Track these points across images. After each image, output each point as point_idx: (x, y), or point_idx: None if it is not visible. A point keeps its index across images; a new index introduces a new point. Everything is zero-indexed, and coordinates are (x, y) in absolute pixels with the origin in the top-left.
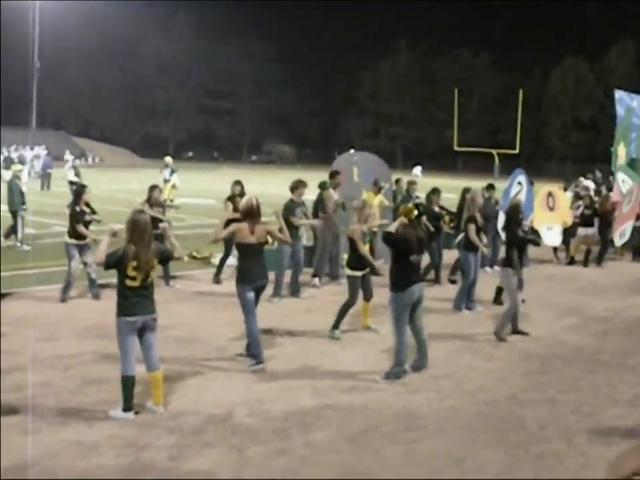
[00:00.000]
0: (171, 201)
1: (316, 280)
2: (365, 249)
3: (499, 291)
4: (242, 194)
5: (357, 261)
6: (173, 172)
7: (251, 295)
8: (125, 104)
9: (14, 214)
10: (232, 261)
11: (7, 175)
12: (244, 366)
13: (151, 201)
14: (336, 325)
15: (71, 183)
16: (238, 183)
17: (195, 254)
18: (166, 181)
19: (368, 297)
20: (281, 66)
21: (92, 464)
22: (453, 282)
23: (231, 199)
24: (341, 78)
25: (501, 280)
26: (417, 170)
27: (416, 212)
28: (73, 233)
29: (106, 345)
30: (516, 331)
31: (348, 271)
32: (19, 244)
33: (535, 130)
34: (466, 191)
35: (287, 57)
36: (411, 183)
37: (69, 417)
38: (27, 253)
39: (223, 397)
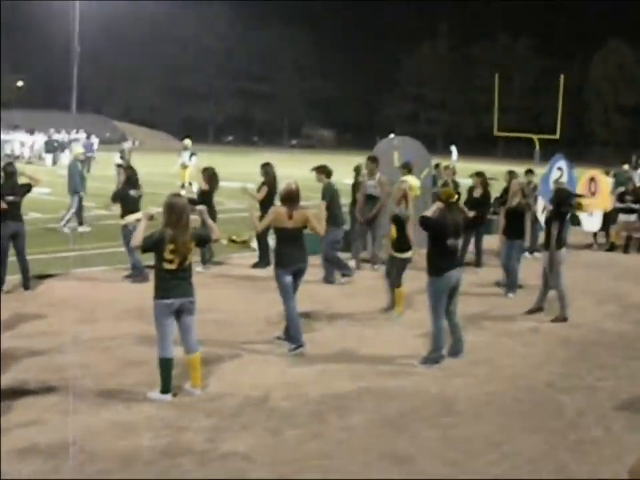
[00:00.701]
0: (190, 184)
1: (351, 263)
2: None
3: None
4: (270, 177)
5: (400, 243)
6: (192, 155)
7: (288, 278)
8: (164, 87)
9: (75, 195)
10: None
11: (65, 157)
12: (282, 349)
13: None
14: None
15: (118, 165)
16: (267, 164)
17: (233, 237)
18: (185, 166)
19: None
20: (321, 50)
21: (130, 444)
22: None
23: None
24: (381, 62)
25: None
26: (454, 154)
27: (456, 196)
28: (127, 211)
29: (145, 327)
30: (532, 309)
31: (393, 253)
32: (79, 226)
33: (575, 115)
34: (511, 174)
35: (327, 40)
36: (445, 167)
37: (108, 398)
38: (81, 234)
39: (260, 380)
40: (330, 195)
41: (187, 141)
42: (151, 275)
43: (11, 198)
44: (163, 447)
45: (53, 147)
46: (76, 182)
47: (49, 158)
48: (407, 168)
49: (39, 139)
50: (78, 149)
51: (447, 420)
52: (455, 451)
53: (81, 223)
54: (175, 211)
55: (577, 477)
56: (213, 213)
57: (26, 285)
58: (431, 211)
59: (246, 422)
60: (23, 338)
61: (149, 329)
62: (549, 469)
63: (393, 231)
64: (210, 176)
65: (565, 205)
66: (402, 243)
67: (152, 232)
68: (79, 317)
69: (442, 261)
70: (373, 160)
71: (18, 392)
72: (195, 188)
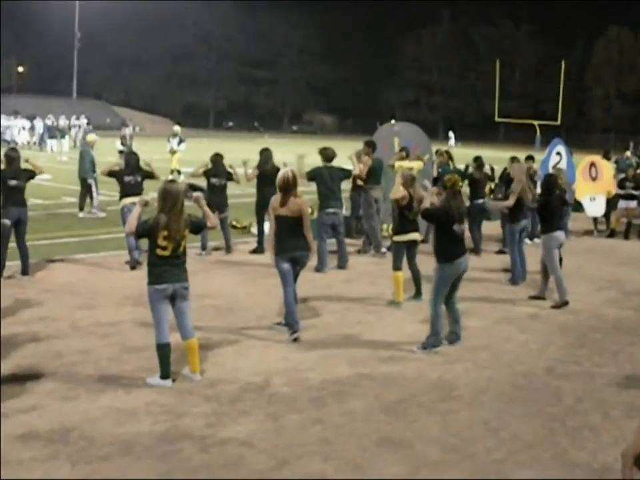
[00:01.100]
0: (178, 172)
1: (384, 249)
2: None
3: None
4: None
5: (399, 226)
6: (181, 141)
7: (285, 265)
8: (165, 73)
9: (83, 181)
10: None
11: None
12: (282, 335)
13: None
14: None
15: (120, 152)
16: (266, 150)
17: (234, 223)
18: (173, 151)
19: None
20: (322, 35)
21: (129, 430)
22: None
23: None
24: (382, 47)
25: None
26: (452, 140)
27: (460, 183)
28: (125, 193)
29: (144, 313)
30: (533, 296)
31: (393, 237)
32: (94, 210)
33: (577, 101)
34: (513, 159)
35: (328, 26)
36: (440, 154)
37: (108, 383)
38: (80, 220)
39: (260, 365)
40: (320, 177)
41: (176, 127)
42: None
43: (14, 182)
44: (162, 432)
45: (53, 133)
46: (86, 168)
47: (50, 144)
48: (405, 152)
49: (39, 125)
50: (92, 135)
51: (446, 405)
52: (453, 437)
53: (81, 209)
54: (169, 197)
55: (575, 463)
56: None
57: (25, 270)
58: (428, 202)
59: (246, 407)
60: (22, 324)
61: (148, 314)
62: (547, 454)
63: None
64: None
65: (553, 190)
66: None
67: (147, 218)
68: (78, 302)
69: (452, 247)
70: (370, 144)
71: (17, 378)
72: (182, 175)
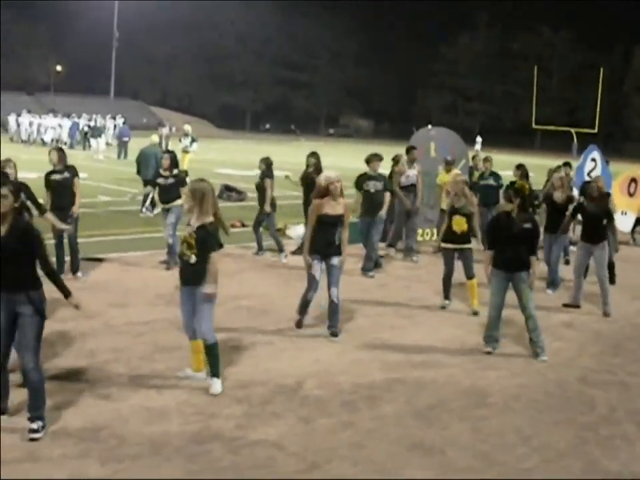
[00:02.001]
0: (186, 173)
1: (392, 250)
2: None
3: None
4: (318, 167)
5: (445, 232)
6: (193, 141)
7: (317, 266)
8: (202, 74)
9: (146, 183)
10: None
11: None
12: (314, 338)
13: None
14: (445, 296)
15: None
16: (314, 154)
17: (263, 225)
18: (185, 151)
19: (467, 274)
20: (360, 39)
21: (160, 430)
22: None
23: (305, 179)
24: (420, 52)
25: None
26: (478, 145)
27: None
28: (158, 198)
29: (177, 312)
30: (566, 304)
31: (441, 244)
32: (144, 209)
33: (614, 109)
34: (518, 166)
35: (366, 29)
36: (485, 160)
37: (139, 382)
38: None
39: (292, 368)
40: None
41: (187, 127)
42: None
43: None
44: (192, 432)
45: (94, 132)
46: (150, 170)
47: (93, 143)
48: (448, 164)
49: (67, 124)
50: (154, 137)
51: (478, 412)
52: (485, 444)
53: (153, 206)
54: (195, 196)
55: (607, 473)
56: None
57: (74, 269)
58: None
59: (277, 410)
60: (55, 322)
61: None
62: (579, 463)
63: (463, 222)
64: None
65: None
66: (446, 234)
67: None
68: (112, 301)
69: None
70: (413, 148)
71: (50, 375)
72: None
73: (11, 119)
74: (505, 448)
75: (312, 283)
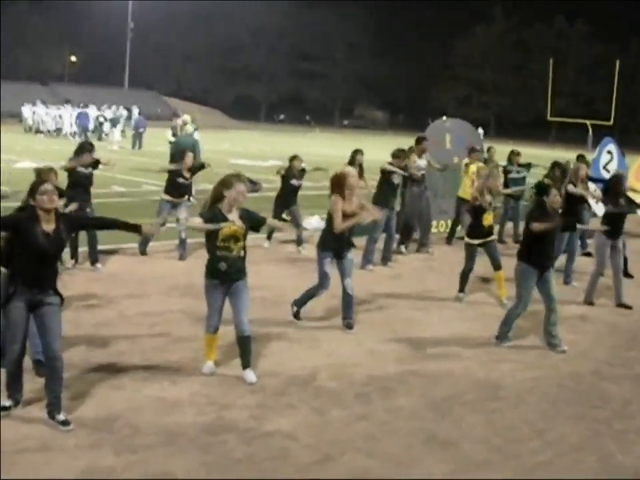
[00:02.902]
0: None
1: (402, 247)
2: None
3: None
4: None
5: (474, 229)
6: (195, 129)
7: (328, 261)
8: (216, 65)
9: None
10: (318, 223)
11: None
12: (329, 330)
13: (292, 171)
14: (461, 289)
15: (170, 142)
16: (358, 152)
17: (284, 216)
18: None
19: (495, 266)
20: (375, 30)
21: (174, 421)
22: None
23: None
24: (434, 44)
25: (595, 246)
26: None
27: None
28: (169, 190)
29: (191, 303)
30: (619, 304)
31: (465, 239)
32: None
33: (630, 101)
34: (555, 164)
35: (381, 21)
36: (515, 154)
37: (153, 373)
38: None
39: (306, 359)
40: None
41: (187, 116)
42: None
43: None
44: (206, 423)
45: (114, 122)
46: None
47: (116, 133)
48: (476, 153)
49: (73, 114)
50: (189, 128)
51: (492, 405)
52: (498, 437)
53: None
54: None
55: (621, 467)
56: None
57: (92, 260)
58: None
59: (291, 401)
60: (69, 312)
61: (196, 305)
62: (592, 457)
63: (491, 218)
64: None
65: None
66: (472, 229)
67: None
68: (126, 292)
69: None
70: (424, 139)
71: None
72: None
73: (26, 109)
74: (518, 441)
75: (324, 281)
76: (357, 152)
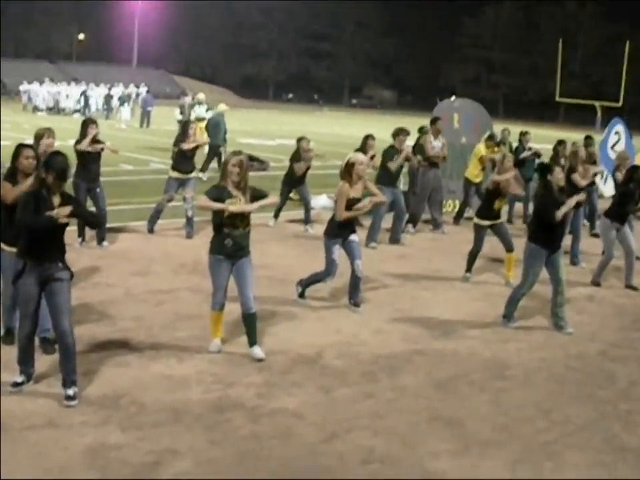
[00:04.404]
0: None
1: (410, 226)
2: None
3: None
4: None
5: (484, 210)
6: (208, 109)
7: (337, 251)
8: (225, 44)
9: (216, 148)
10: (326, 202)
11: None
12: (336, 309)
13: (299, 153)
14: (468, 269)
15: (179, 122)
16: (370, 137)
17: (290, 195)
18: (200, 119)
19: (507, 247)
20: (384, 10)
21: (180, 398)
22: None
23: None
24: (444, 23)
25: (600, 230)
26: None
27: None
28: (176, 166)
29: (198, 281)
30: (628, 285)
31: (474, 219)
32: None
33: (639, 83)
34: (559, 143)
35: (390, 0)
36: (524, 134)
37: (160, 351)
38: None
39: (312, 337)
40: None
41: (201, 95)
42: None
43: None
44: (213, 401)
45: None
46: (219, 137)
47: (125, 111)
48: (494, 141)
49: (102, 92)
50: (222, 106)
51: (498, 384)
52: (504, 416)
53: (203, 170)
54: (242, 168)
55: (626, 447)
56: None
57: (100, 238)
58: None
59: (297, 379)
60: (76, 290)
61: (202, 283)
62: (598, 437)
63: (504, 202)
64: None
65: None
66: (483, 210)
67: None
68: (133, 269)
69: None
70: (438, 119)
71: None
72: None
73: (33, 87)
74: (524, 421)
75: (331, 267)
76: (367, 137)
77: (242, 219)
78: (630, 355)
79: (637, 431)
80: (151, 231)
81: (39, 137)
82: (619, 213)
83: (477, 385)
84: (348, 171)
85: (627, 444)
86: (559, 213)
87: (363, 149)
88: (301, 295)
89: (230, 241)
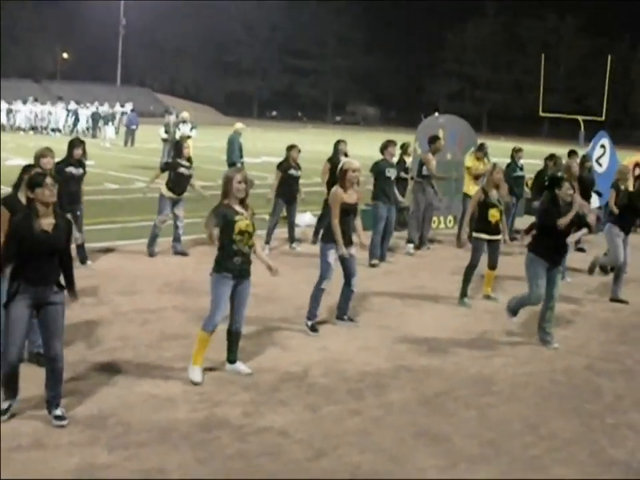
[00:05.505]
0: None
1: (410, 247)
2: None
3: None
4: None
5: (480, 223)
6: (193, 127)
7: (333, 257)
8: (209, 61)
9: (233, 165)
10: (310, 220)
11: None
12: (321, 326)
13: (289, 162)
14: (463, 293)
15: (164, 140)
16: (341, 142)
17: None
18: (186, 138)
19: (491, 264)
20: (367, 26)
21: (167, 417)
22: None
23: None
24: (427, 39)
25: (607, 236)
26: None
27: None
28: (171, 186)
29: (184, 300)
30: (614, 299)
31: (474, 233)
32: None
33: (622, 97)
34: (549, 158)
35: (373, 17)
36: (517, 150)
37: (146, 370)
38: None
39: (299, 355)
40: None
41: (185, 113)
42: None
43: (79, 171)
44: (199, 420)
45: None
46: (235, 154)
47: (109, 130)
48: (483, 152)
49: (83, 112)
50: (238, 124)
51: (484, 400)
52: (491, 431)
53: None
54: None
55: (613, 461)
56: None
57: (82, 258)
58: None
59: (284, 397)
60: None
61: (188, 302)
62: (585, 452)
63: (498, 214)
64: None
65: None
66: (481, 224)
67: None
68: (119, 288)
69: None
70: (437, 139)
71: None
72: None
73: (16, 107)
74: (511, 436)
75: (327, 272)
76: (339, 142)
77: (249, 237)
78: (616, 368)
79: (624, 444)
80: (152, 254)
81: (39, 156)
82: (628, 222)
83: (464, 401)
84: (342, 177)
85: (613, 458)
86: (562, 220)
87: (335, 155)
88: (313, 328)
89: (239, 259)
